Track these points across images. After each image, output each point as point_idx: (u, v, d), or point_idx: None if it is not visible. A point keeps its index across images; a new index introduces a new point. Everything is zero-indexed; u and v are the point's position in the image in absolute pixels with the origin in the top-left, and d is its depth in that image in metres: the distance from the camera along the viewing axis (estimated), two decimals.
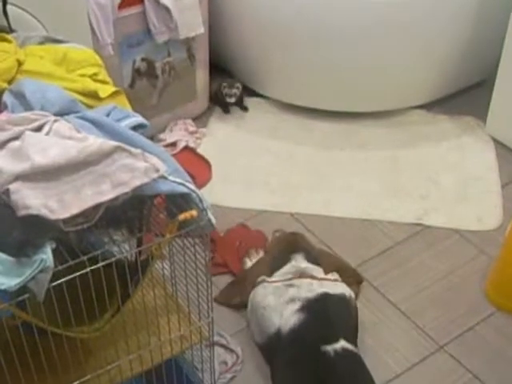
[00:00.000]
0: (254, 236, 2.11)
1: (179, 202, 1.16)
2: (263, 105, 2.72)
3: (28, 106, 1.12)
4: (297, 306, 1.67)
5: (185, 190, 1.13)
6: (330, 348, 1.57)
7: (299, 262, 1.83)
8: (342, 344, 1.58)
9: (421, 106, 2.69)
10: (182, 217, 1.12)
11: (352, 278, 1.92)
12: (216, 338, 1.77)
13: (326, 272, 1.81)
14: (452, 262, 2.06)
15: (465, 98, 2.74)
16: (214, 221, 1.20)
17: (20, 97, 1.13)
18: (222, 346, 1.78)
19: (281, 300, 1.70)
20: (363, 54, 2.46)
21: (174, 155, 2.40)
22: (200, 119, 2.63)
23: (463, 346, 1.81)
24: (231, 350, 1.78)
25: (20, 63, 1.27)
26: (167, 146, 2.48)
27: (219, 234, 2.10)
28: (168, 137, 2.51)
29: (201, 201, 1.16)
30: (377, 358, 1.77)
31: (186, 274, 1.27)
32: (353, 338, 1.66)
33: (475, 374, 1.74)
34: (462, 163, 2.46)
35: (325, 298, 1.69)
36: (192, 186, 1.15)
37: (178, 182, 1.12)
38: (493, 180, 2.38)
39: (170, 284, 1.35)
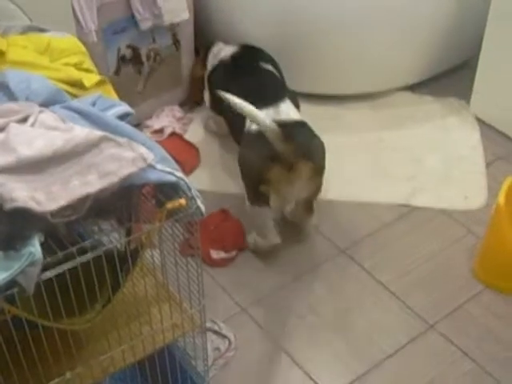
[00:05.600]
0: (230, 224, 2.10)
1: (167, 190, 1.15)
2: None
3: (13, 97, 1.10)
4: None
5: (173, 178, 1.12)
6: None
7: None
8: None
9: (406, 88, 2.69)
10: (170, 205, 1.12)
11: None
12: (208, 325, 1.77)
13: None
14: (440, 242, 2.08)
15: (449, 78, 2.74)
16: (203, 209, 1.19)
17: (4, 88, 1.11)
18: (215, 332, 1.79)
19: None
20: (347, 36, 2.45)
21: (161, 141, 2.43)
22: (187, 105, 2.61)
23: (453, 325, 1.84)
24: (224, 336, 1.78)
25: (2, 53, 1.26)
26: (154, 132, 2.47)
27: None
28: (155, 123, 2.50)
29: (189, 189, 1.16)
30: (368, 339, 1.79)
31: (176, 262, 1.27)
32: None
33: (465, 352, 1.77)
34: (447, 143, 2.47)
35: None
36: (180, 175, 1.14)
37: (166, 170, 1.12)
38: (478, 159, 2.39)
39: (161, 273, 1.35)
